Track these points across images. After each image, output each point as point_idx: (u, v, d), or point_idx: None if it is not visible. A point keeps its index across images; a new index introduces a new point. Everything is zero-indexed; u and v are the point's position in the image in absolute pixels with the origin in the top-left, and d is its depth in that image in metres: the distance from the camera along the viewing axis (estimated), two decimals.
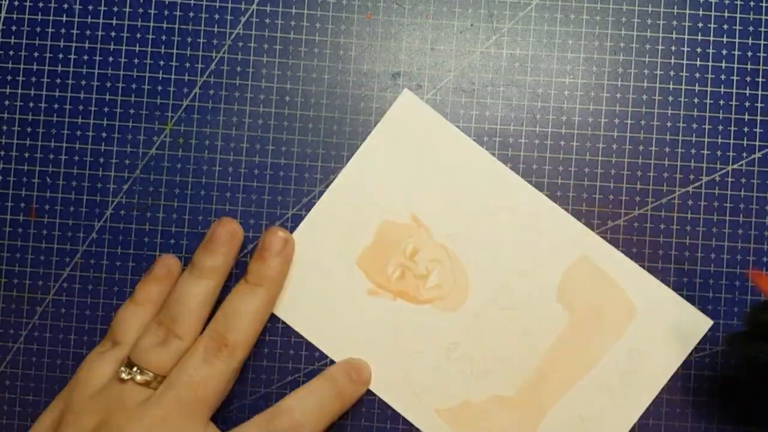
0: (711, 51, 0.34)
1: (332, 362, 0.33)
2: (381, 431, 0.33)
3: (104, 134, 0.34)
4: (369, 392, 0.33)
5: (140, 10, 0.34)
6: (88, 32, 0.34)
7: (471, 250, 0.33)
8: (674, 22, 0.34)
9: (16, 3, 0.34)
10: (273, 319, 0.33)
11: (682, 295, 0.33)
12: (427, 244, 0.33)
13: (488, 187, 0.33)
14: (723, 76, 0.34)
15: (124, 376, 0.29)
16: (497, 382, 0.33)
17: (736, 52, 0.34)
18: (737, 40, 0.34)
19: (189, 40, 0.34)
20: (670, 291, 0.33)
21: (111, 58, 0.34)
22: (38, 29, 0.34)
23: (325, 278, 0.33)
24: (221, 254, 0.31)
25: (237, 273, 0.33)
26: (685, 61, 0.34)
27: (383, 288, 0.33)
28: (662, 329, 0.33)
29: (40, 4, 0.34)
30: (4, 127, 0.34)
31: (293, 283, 0.33)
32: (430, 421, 0.33)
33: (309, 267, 0.33)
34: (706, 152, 0.33)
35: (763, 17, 0.34)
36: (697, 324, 0.33)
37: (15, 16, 0.34)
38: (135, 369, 0.29)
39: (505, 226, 0.33)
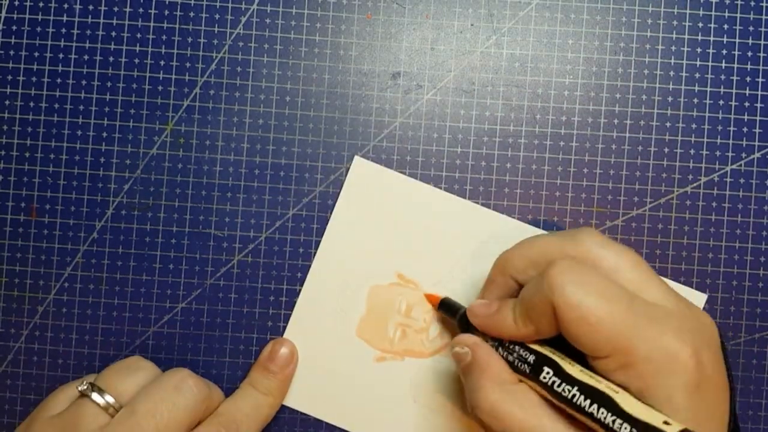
0: (711, 51, 0.34)
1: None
2: None
3: (104, 134, 0.34)
4: None
5: (140, 10, 0.34)
6: (88, 32, 0.34)
7: (462, 291, 0.33)
8: (674, 22, 0.34)
9: (16, 3, 0.33)
10: (266, 316, 0.34)
11: None
12: (419, 297, 0.33)
13: (461, 227, 0.33)
14: (723, 76, 0.34)
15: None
16: None
17: (736, 52, 0.34)
18: (737, 40, 0.34)
19: (189, 40, 0.34)
20: None
21: (111, 58, 0.34)
22: (38, 29, 0.34)
23: (330, 356, 0.33)
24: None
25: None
26: (685, 61, 0.34)
27: (388, 352, 0.33)
28: None
29: (40, 4, 0.34)
30: (4, 127, 0.34)
31: (300, 368, 0.33)
32: None
33: (312, 347, 0.33)
34: (704, 152, 0.33)
35: (763, 17, 0.34)
36: None
37: (15, 16, 0.33)
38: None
39: (492, 257, 0.33)
